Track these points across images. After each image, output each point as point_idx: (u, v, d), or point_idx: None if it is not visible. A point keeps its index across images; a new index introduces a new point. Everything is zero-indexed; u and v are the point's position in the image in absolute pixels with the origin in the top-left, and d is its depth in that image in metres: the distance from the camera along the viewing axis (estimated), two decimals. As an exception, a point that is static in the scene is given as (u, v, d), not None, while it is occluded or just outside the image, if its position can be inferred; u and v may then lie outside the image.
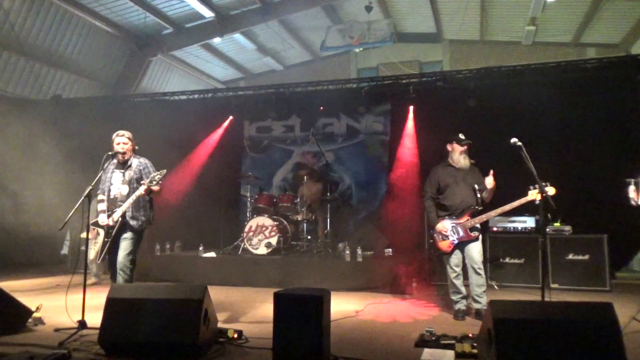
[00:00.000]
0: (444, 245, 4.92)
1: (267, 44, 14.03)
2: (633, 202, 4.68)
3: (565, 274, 6.56)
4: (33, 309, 4.43)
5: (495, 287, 6.63)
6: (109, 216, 4.74)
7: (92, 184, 4.43)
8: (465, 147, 5.02)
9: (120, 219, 4.70)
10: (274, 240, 7.45)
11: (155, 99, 10.03)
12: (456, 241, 4.87)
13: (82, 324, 4.10)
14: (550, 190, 4.34)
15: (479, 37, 13.46)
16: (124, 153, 4.84)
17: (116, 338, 3.54)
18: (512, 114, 7.41)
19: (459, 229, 4.85)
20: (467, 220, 4.83)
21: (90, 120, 8.82)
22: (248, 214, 8.31)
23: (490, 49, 13.63)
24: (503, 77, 8.00)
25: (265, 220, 7.60)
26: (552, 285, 6.43)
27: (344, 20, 12.92)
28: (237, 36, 12.97)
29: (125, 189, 4.79)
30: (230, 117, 9.70)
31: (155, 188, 4.71)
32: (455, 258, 4.93)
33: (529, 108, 7.40)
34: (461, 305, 4.94)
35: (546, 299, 4.15)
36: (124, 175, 4.84)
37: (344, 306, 5.44)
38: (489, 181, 4.85)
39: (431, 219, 5.08)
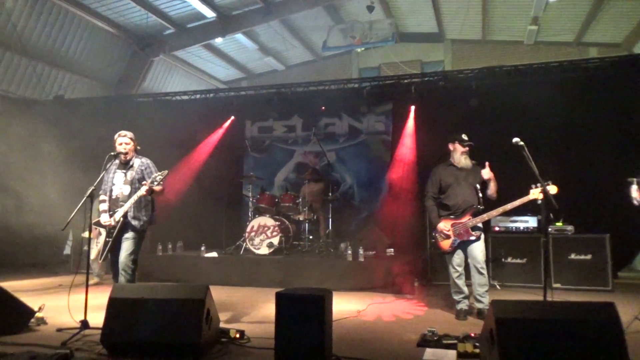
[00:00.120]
0: (445, 245, 4.92)
1: (268, 44, 14.03)
2: (635, 202, 4.66)
3: (567, 273, 6.55)
4: (35, 309, 4.45)
5: (497, 286, 6.62)
6: (110, 216, 4.75)
7: (95, 184, 4.44)
8: (467, 148, 5.02)
9: (121, 218, 4.71)
10: (275, 240, 7.45)
11: (157, 99, 10.04)
12: (458, 241, 4.86)
13: (85, 324, 4.10)
14: (552, 189, 4.33)
15: (480, 36, 13.45)
16: (126, 153, 4.85)
17: (118, 338, 3.54)
18: (514, 114, 7.41)
19: (461, 229, 4.84)
20: (469, 219, 4.83)
21: (93, 120, 8.84)
22: (250, 214, 8.31)
23: (492, 48, 13.62)
24: (505, 77, 7.99)
25: (267, 220, 7.60)
26: (554, 285, 6.42)
27: (346, 20, 12.92)
28: (239, 36, 12.98)
29: (127, 189, 4.80)
30: (232, 117, 9.71)
31: (157, 188, 4.72)
32: (457, 258, 4.93)
33: (531, 108, 7.39)
34: (463, 305, 4.94)
35: (548, 298, 4.14)
36: (125, 176, 4.85)
37: (345, 306, 5.44)
38: (486, 172, 4.85)
39: (433, 218, 5.08)
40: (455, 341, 3.70)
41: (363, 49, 12.76)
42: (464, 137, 5.04)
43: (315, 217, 8.22)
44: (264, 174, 9.40)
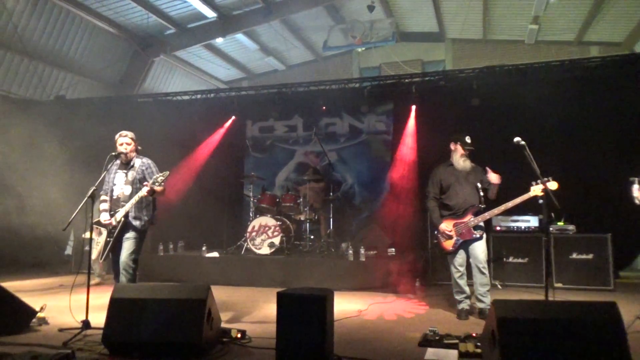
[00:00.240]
0: (447, 244, 4.92)
1: (269, 43, 14.03)
2: (637, 201, 4.66)
3: (568, 273, 6.55)
4: (37, 309, 4.45)
5: (499, 286, 6.61)
6: (111, 216, 4.75)
7: (96, 185, 4.45)
8: (467, 152, 5.01)
9: (122, 219, 4.72)
10: (277, 240, 7.45)
11: (158, 100, 10.04)
12: (460, 240, 4.86)
13: (86, 324, 4.11)
14: (553, 185, 4.32)
15: (481, 36, 13.43)
16: (126, 153, 4.86)
17: (120, 338, 3.55)
18: (515, 113, 7.40)
19: (463, 228, 4.84)
20: (470, 219, 4.83)
21: (93, 120, 8.84)
22: (251, 214, 8.31)
23: (493, 48, 13.61)
24: (506, 76, 7.98)
25: (268, 220, 7.60)
26: (556, 285, 6.41)
27: (347, 19, 12.93)
28: (240, 36, 12.98)
29: (128, 189, 4.80)
30: (233, 117, 9.71)
31: (158, 189, 4.72)
32: (459, 257, 4.92)
33: (532, 107, 7.39)
34: (465, 305, 4.94)
35: (550, 298, 4.14)
36: (126, 176, 4.85)
37: (347, 306, 5.44)
38: (493, 177, 4.81)
39: (434, 219, 5.08)
40: (456, 341, 3.70)
41: (364, 48, 12.78)
42: (467, 139, 5.01)
43: (316, 217, 8.22)
44: (265, 174, 9.40)
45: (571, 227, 6.74)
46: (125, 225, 4.75)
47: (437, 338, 3.85)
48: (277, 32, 13.08)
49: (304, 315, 3.28)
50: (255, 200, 8.31)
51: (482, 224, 4.87)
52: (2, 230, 7.97)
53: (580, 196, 6.91)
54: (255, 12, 11.85)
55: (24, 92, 10.82)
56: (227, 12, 11.86)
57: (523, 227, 7.03)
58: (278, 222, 7.57)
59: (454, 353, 3.54)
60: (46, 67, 11.04)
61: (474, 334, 3.77)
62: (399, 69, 13.32)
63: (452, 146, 5.12)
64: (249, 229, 7.69)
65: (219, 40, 12.66)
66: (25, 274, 8.07)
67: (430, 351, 3.62)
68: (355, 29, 12.01)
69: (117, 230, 4.72)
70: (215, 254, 7.62)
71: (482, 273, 4.80)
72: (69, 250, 8.87)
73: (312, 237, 8.11)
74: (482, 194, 4.94)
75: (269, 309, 5.27)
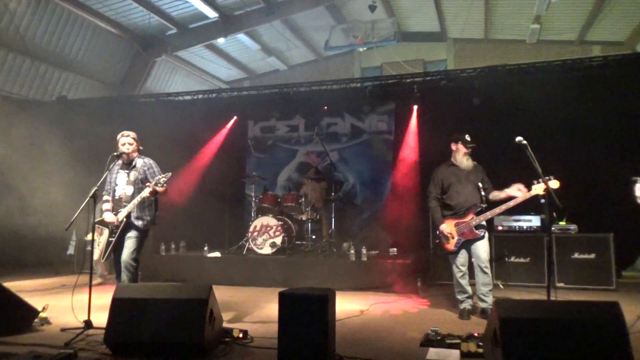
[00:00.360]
0: (449, 244, 4.91)
1: (271, 43, 14.04)
2: (639, 201, 4.65)
3: (571, 273, 6.54)
4: (39, 309, 4.46)
5: (501, 286, 6.60)
6: (114, 215, 4.76)
7: (98, 185, 4.45)
8: (469, 150, 5.01)
9: (124, 219, 4.73)
10: (278, 240, 7.45)
11: (159, 100, 10.05)
12: (461, 240, 4.86)
13: (88, 324, 4.11)
14: (554, 184, 4.32)
15: (483, 35, 13.42)
16: (128, 153, 4.86)
17: (122, 338, 3.55)
18: (517, 113, 7.39)
19: (464, 228, 4.84)
20: (472, 218, 4.82)
21: (95, 120, 8.85)
22: (253, 214, 8.31)
23: (495, 47, 13.59)
24: (508, 76, 7.97)
25: (269, 220, 7.61)
26: (558, 284, 6.40)
27: (348, 19, 12.93)
28: (241, 36, 12.99)
29: (130, 190, 4.81)
30: (234, 117, 9.71)
31: (160, 190, 4.73)
32: (461, 257, 4.92)
33: (534, 107, 7.37)
34: (466, 305, 4.93)
35: (552, 298, 4.14)
36: (128, 176, 4.86)
37: (348, 306, 5.43)
38: (518, 192, 4.65)
39: (436, 218, 5.08)
40: (458, 341, 3.69)
41: (365, 48, 12.78)
42: (467, 138, 5.03)
43: (317, 217, 8.22)
44: (266, 174, 9.41)
45: (573, 227, 6.73)
46: (127, 225, 4.76)
47: (439, 338, 3.84)
48: (279, 32, 13.08)
49: (306, 315, 3.28)
50: (257, 200, 8.31)
51: (484, 223, 4.86)
52: (4, 231, 7.98)
53: (582, 196, 6.89)
54: (257, 12, 11.86)
55: (26, 93, 10.84)
56: (228, 12, 11.87)
57: (525, 227, 7.02)
58: (280, 222, 7.57)
59: (455, 353, 3.53)
60: (48, 68, 11.06)
61: (475, 334, 3.76)
62: (401, 69, 13.32)
63: (453, 146, 5.12)
64: (251, 229, 7.69)
65: (220, 41, 12.68)
66: (28, 274, 8.09)
67: (432, 351, 3.61)
68: (357, 28, 12.01)
69: (119, 230, 4.73)
70: (217, 254, 7.63)
71: (485, 273, 4.79)
72: (71, 250, 8.88)
73: (313, 237, 8.11)
74: (483, 193, 4.93)
75: (271, 308, 5.27)
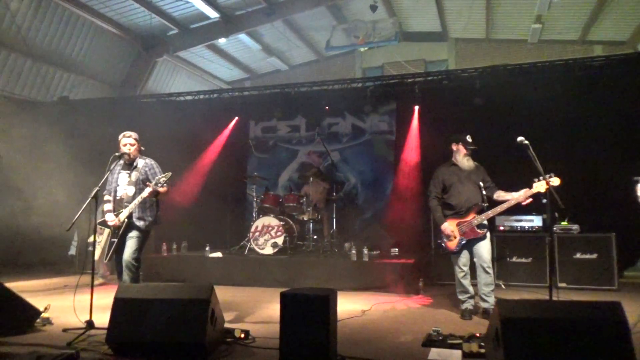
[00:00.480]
0: (451, 244, 4.90)
1: (272, 44, 14.05)
2: (641, 200, 4.64)
3: (573, 273, 6.53)
4: (41, 309, 4.46)
5: (503, 286, 6.60)
6: (115, 216, 4.76)
7: (99, 185, 4.46)
8: (470, 151, 4.99)
9: (126, 219, 4.73)
10: (280, 240, 7.45)
11: (161, 100, 10.06)
12: (464, 240, 4.85)
13: (90, 324, 4.12)
14: (555, 181, 4.30)
15: (484, 35, 13.42)
16: (130, 154, 4.86)
17: (124, 338, 3.55)
18: (519, 113, 7.38)
19: (466, 228, 4.83)
20: (474, 217, 4.81)
21: (97, 121, 8.87)
22: (254, 214, 8.32)
23: (496, 47, 13.59)
24: (509, 76, 7.96)
25: (271, 220, 7.61)
26: (560, 284, 6.40)
27: (349, 19, 12.93)
28: (242, 36, 13.01)
29: (131, 190, 4.81)
30: (236, 118, 9.72)
31: (162, 190, 4.73)
32: (463, 257, 4.91)
33: (536, 107, 7.36)
34: (468, 305, 4.93)
35: (554, 298, 4.13)
36: (130, 176, 4.86)
37: (350, 306, 5.43)
38: (522, 196, 4.63)
39: (437, 217, 5.06)
40: (460, 341, 3.69)
41: (366, 48, 12.78)
42: (469, 139, 5.00)
43: (319, 217, 8.22)
44: (268, 174, 9.41)
45: (575, 227, 6.72)
46: (129, 226, 4.77)
47: (440, 338, 3.84)
48: (280, 32, 13.09)
49: (308, 315, 3.28)
50: (258, 201, 8.31)
51: (485, 222, 4.85)
52: (6, 231, 8.00)
53: (584, 195, 6.88)
54: (258, 12, 11.88)
55: (27, 93, 10.86)
56: (229, 13, 11.88)
57: (527, 227, 7.01)
58: (281, 222, 7.57)
59: (457, 353, 3.53)
60: (50, 68, 11.08)
61: (477, 334, 3.76)
62: (402, 69, 13.32)
63: (453, 147, 5.11)
64: (252, 229, 7.69)
65: (221, 41, 12.69)
66: (30, 274, 8.10)
67: (434, 351, 3.61)
68: (358, 28, 12.02)
69: (120, 231, 4.73)
70: (218, 254, 7.63)
71: (487, 272, 4.79)
72: (72, 251, 8.90)
73: (315, 237, 8.11)
74: (484, 192, 4.92)
75: (273, 309, 5.27)
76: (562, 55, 10.91)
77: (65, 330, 4.22)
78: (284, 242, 7.44)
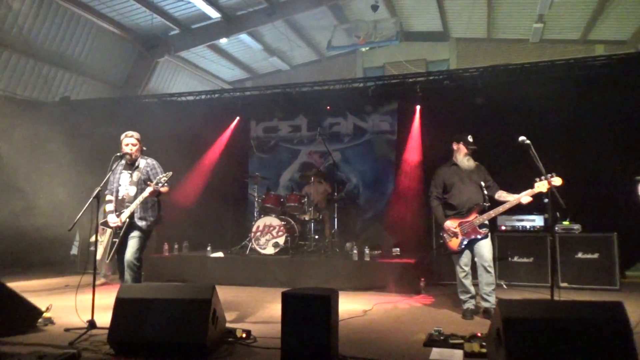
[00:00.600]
0: (454, 244, 4.90)
1: (273, 44, 14.04)
2: (643, 200, 4.63)
3: (574, 272, 6.52)
4: (43, 309, 4.47)
5: (504, 286, 6.59)
6: (117, 216, 4.77)
7: (101, 185, 4.46)
8: (471, 151, 4.99)
9: (127, 219, 4.73)
10: (281, 240, 7.45)
11: (162, 100, 10.07)
12: (465, 240, 4.85)
13: (92, 324, 4.12)
14: (557, 181, 4.30)
15: (486, 35, 13.39)
16: (132, 154, 4.87)
17: (125, 338, 3.56)
18: (520, 112, 7.37)
19: (468, 227, 4.83)
20: (475, 217, 4.81)
21: (99, 121, 8.89)
22: (255, 214, 8.32)
23: (497, 47, 13.57)
24: (510, 75, 7.95)
25: (272, 220, 7.61)
26: (562, 284, 6.39)
27: (350, 19, 12.92)
28: (244, 36, 13.01)
29: (133, 190, 4.81)
30: (237, 118, 9.73)
31: (163, 190, 4.74)
32: (465, 257, 4.91)
33: (537, 106, 7.36)
34: (470, 305, 4.93)
35: (555, 298, 4.13)
36: (131, 176, 4.87)
37: (351, 306, 5.43)
38: (526, 199, 4.64)
39: (439, 217, 5.06)
40: (462, 341, 3.69)
41: (368, 48, 12.76)
42: (470, 139, 5.00)
43: (320, 217, 8.22)
44: (269, 174, 9.41)
45: (577, 227, 6.71)
46: (131, 226, 4.77)
47: (442, 338, 3.84)
48: (281, 32, 13.08)
49: (309, 315, 3.28)
50: (259, 200, 8.32)
51: (487, 222, 4.85)
52: (8, 231, 8.01)
53: (585, 195, 6.88)
54: (259, 13, 11.87)
55: (29, 94, 10.88)
56: (231, 13, 11.88)
57: (528, 227, 7.01)
58: (282, 222, 7.57)
59: (459, 353, 3.53)
60: (51, 69, 11.09)
61: (479, 334, 3.76)
62: (403, 69, 13.31)
63: (454, 146, 5.11)
64: (254, 229, 7.69)
65: (223, 41, 12.69)
66: (32, 274, 8.11)
67: (436, 351, 3.61)
68: (359, 28, 11.99)
69: (122, 231, 4.74)
70: (220, 254, 7.64)
71: (488, 272, 4.79)
72: (74, 251, 8.91)
73: (316, 237, 8.11)
74: (485, 192, 4.92)
75: (274, 309, 5.28)
76: (563, 55, 10.90)
77: (67, 330, 4.23)
78: (286, 242, 7.45)
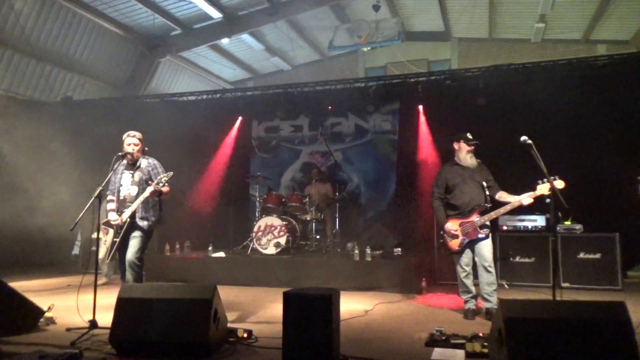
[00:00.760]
0: (454, 244, 4.90)
1: (275, 44, 14.05)
2: (645, 200, 4.62)
3: (576, 272, 6.50)
4: (45, 308, 4.48)
5: (506, 286, 6.58)
6: (119, 215, 4.77)
7: (102, 185, 4.47)
8: (473, 147, 4.98)
9: (129, 219, 4.74)
10: (282, 240, 7.45)
11: (164, 100, 10.09)
12: (466, 240, 4.84)
13: (93, 324, 4.12)
14: (559, 184, 4.29)
15: (487, 35, 13.39)
16: (133, 154, 4.87)
17: (127, 337, 3.56)
18: (522, 112, 7.37)
19: (469, 228, 4.82)
20: (477, 218, 4.80)
21: (101, 121, 8.89)
22: (257, 214, 8.32)
23: (499, 46, 13.56)
24: (512, 75, 7.94)
25: (274, 220, 7.61)
26: (563, 284, 6.37)
27: (352, 19, 12.92)
28: (245, 36, 13.02)
29: (134, 190, 4.81)
30: (240, 118, 9.74)
31: (164, 189, 4.73)
32: (466, 257, 4.90)
33: (539, 106, 7.35)
34: (471, 305, 4.92)
35: (557, 298, 4.12)
36: (133, 176, 4.87)
37: (353, 306, 5.43)
38: (526, 200, 4.65)
39: (440, 218, 5.05)
40: (463, 341, 3.68)
41: (369, 48, 12.76)
42: (469, 135, 5.00)
43: (322, 217, 8.22)
44: (270, 174, 9.42)
45: (578, 227, 6.69)
46: (132, 226, 4.77)
47: (443, 338, 3.83)
48: (283, 32, 13.09)
49: (310, 315, 3.28)
50: (261, 200, 8.32)
51: (488, 223, 4.84)
52: (10, 231, 8.02)
53: (587, 195, 6.86)
54: (261, 13, 11.88)
55: (31, 94, 10.90)
56: (232, 13, 11.89)
57: (530, 227, 6.99)
58: (284, 222, 7.57)
59: (460, 353, 3.53)
60: (53, 69, 11.11)
61: (480, 334, 3.75)
62: (405, 69, 13.31)
63: (455, 145, 5.09)
64: (255, 229, 7.70)
65: (224, 41, 12.69)
66: (34, 273, 8.12)
67: (437, 351, 3.61)
68: (361, 28, 12.00)
69: (123, 231, 4.74)
70: (221, 254, 7.64)
71: (489, 272, 4.78)
72: (76, 250, 8.92)
73: (318, 237, 8.11)
74: (487, 192, 4.91)
75: (275, 308, 5.27)
76: (565, 55, 10.89)
77: (68, 329, 4.23)
78: (287, 242, 7.45)
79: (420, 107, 8.49)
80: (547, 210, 4.79)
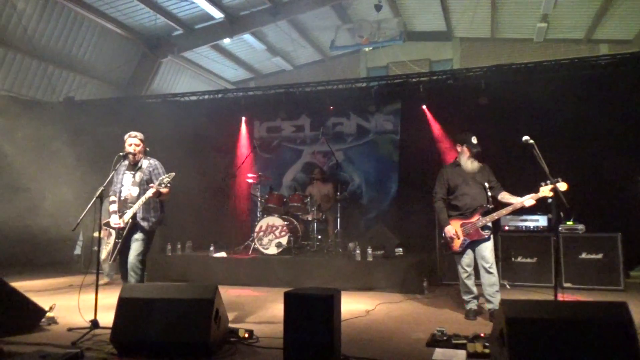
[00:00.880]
0: (455, 245, 4.89)
1: (276, 44, 14.06)
2: (647, 200, 4.61)
3: (578, 273, 6.49)
4: (46, 308, 4.49)
5: (507, 286, 6.57)
6: (120, 217, 4.77)
7: (104, 185, 4.47)
8: (474, 153, 4.94)
9: (130, 220, 4.73)
10: (284, 240, 7.45)
11: (166, 100, 10.09)
12: (468, 241, 4.83)
13: (95, 324, 4.13)
14: (562, 186, 4.28)
15: (489, 34, 13.38)
16: (134, 154, 4.86)
17: (128, 337, 3.56)
18: (524, 112, 7.36)
19: (470, 229, 4.81)
20: (478, 219, 4.80)
21: (103, 121, 8.90)
22: (258, 214, 8.32)
23: (501, 46, 13.54)
24: (514, 75, 7.93)
25: (275, 220, 7.61)
26: (565, 285, 6.36)
27: (354, 19, 12.92)
28: (247, 37, 13.02)
29: (135, 190, 4.81)
30: (243, 119, 9.74)
31: (164, 191, 4.72)
32: (467, 258, 4.89)
33: (541, 106, 7.34)
34: (472, 305, 4.91)
35: (559, 298, 4.11)
36: (134, 177, 4.86)
37: (354, 306, 5.43)
38: (529, 202, 4.63)
39: (441, 219, 5.04)
40: (464, 341, 3.68)
41: (371, 48, 12.74)
42: (474, 140, 4.93)
43: (323, 217, 8.21)
44: (272, 174, 9.41)
45: (580, 227, 6.67)
46: (134, 227, 4.76)
47: (445, 338, 3.83)
48: (284, 32, 13.10)
49: (312, 315, 3.28)
50: (262, 200, 8.31)
51: (489, 224, 4.84)
52: (12, 231, 8.03)
53: (589, 195, 6.85)
54: (263, 13, 11.89)
55: (33, 94, 10.92)
56: (234, 13, 11.90)
57: (532, 227, 6.97)
58: (285, 222, 7.57)
59: (462, 353, 3.52)
60: (55, 69, 11.13)
61: (482, 334, 3.75)
62: (407, 69, 13.30)
63: (458, 148, 5.07)
64: (257, 229, 7.70)
65: (226, 41, 12.70)
66: (36, 273, 8.14)
67: (438, 351, 3.60)
68: (363, 28, 11.98)
69: (125, 232, 4.74)
70: (222, 254, 7.64)
71: (490, 273, 4.77)
72: (77, 250, 8.93)
73: (319, 237, 8.10)
74: (489, 193, 4.90)
75: (277, 308, 5.27)
76: (567, 54, 10.88)
77: (70, 329, 4.24)
78: (288, 242, 7.44)
79: (422, 107, 8.47)
80: (549, 211, 4.78)
